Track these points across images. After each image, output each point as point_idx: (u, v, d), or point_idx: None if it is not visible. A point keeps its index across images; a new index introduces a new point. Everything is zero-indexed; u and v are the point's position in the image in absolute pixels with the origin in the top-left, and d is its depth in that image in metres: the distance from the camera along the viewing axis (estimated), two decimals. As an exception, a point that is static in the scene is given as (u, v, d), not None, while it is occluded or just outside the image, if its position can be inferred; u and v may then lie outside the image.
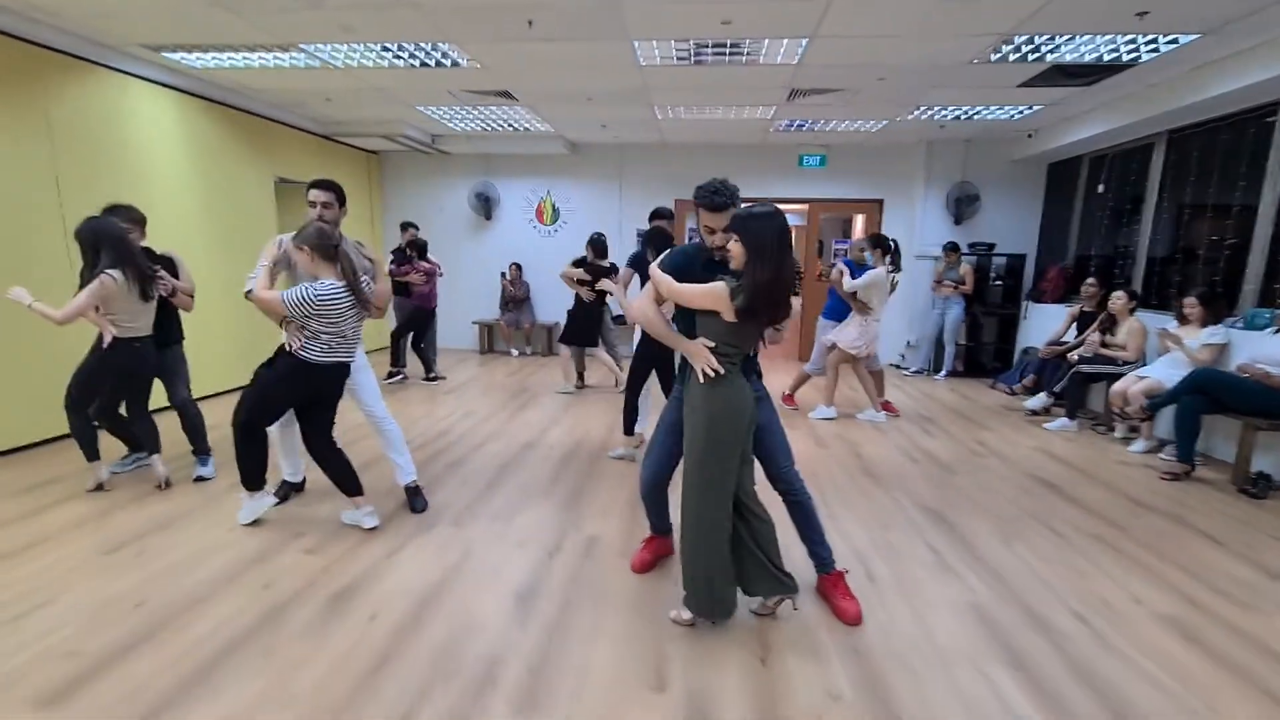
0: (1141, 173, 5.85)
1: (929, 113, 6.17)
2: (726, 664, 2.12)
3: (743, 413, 2.16)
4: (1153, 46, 4.24)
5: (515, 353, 8.43)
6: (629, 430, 4.19)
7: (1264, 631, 2.36)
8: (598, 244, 5.87)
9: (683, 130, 7.27)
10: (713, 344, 2.12)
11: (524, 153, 8.13)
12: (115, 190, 4.48)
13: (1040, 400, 5.47)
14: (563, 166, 8.34)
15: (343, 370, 2.95)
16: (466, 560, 2.79)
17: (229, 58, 4.85)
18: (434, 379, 6.58)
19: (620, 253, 6.55)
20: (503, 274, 8.37)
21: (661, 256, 2.33)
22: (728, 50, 4.52)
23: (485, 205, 8.42)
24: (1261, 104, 4.57)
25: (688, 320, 2.22)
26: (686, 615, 2.30)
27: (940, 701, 1.96)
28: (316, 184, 3.05)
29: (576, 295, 5.91)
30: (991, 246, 7.37)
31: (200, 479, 3.67)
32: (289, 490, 3.42)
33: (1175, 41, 4.12)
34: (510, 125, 7.25)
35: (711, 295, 2.07)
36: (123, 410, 3.63)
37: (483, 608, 2.42)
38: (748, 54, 4.57)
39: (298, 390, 2.91)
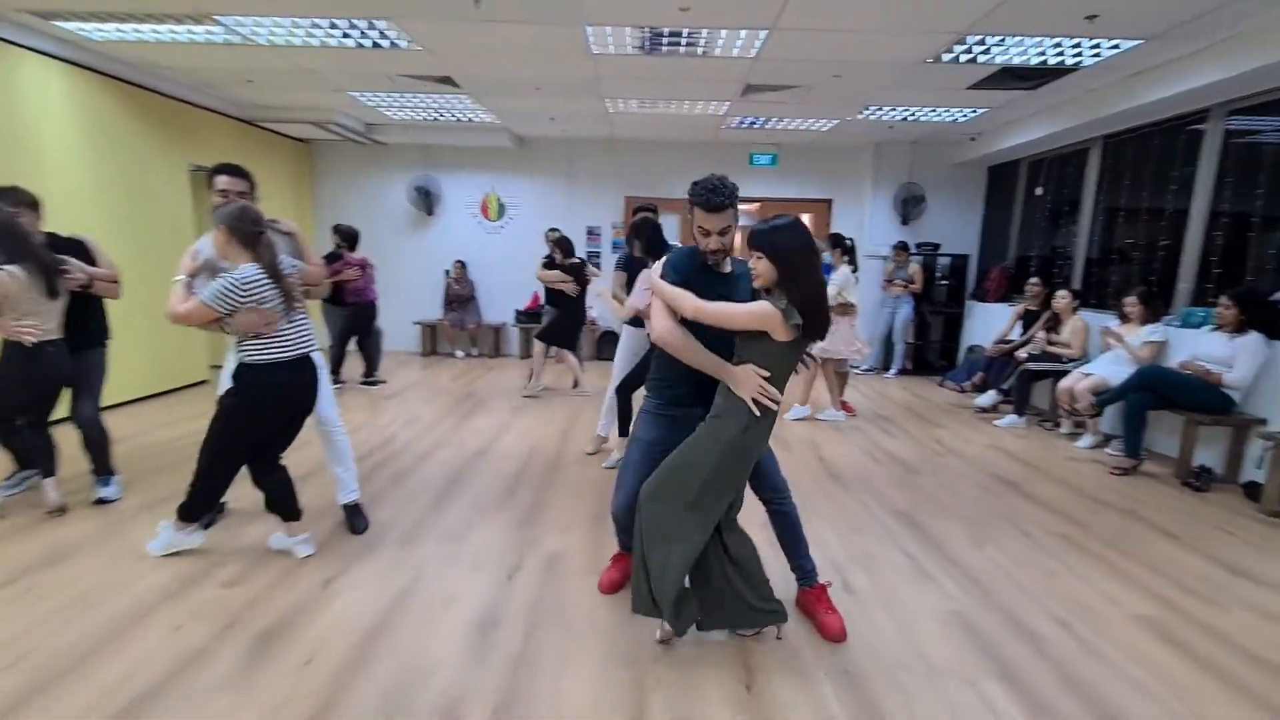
0: (1078, 176, 6.06)
1: (879, 113, 6.21)
2: (709, 692, 1.95)
3: (762, 446, 2.02)
4: (1095, 51, 4.34)
5: (460, 354, 8.05)
6: (625, 431, 3.97)
7: (1233, 629, 2.37)
8: (563, 243, 5.70)
9: (634, 125, 7.09)
10: (766, 372, 1.90)
11: (467, 145, 7.77)
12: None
13: (990, 398, 5.58)
14: (509, 161, 8.02)
15: (312, 368, 2.62)
16: (416, 586, 2.52)
17: (134, 29, 4.35)
18: (373, 382, 6.16)
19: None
20: (447, 272, 7.98)
21: (661, 267, 2.09)
22: (684, 40, 4.37)
23: (426, 200, 8.01)
24: (1193, 110, 4.77)
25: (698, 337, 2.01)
26: (668, 629, 2.13)
27: (937, 723, 1.85)
28: (224, 169, 2.70)
29: (558, 296, 5.73)
30: (937, 246, 7.53)
31: (101, 501, 3.23)
32: (214, 514, 3.04)
33: (1117, 47, 4.22)
34: (453, 116, 6.89)
35: (760, 316, 1.86)
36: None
37: (437, 641, 2.16)
38: (704, 45, 4.44)
39: (276, 406, 2.54)
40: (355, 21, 4.14)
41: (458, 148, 7.87)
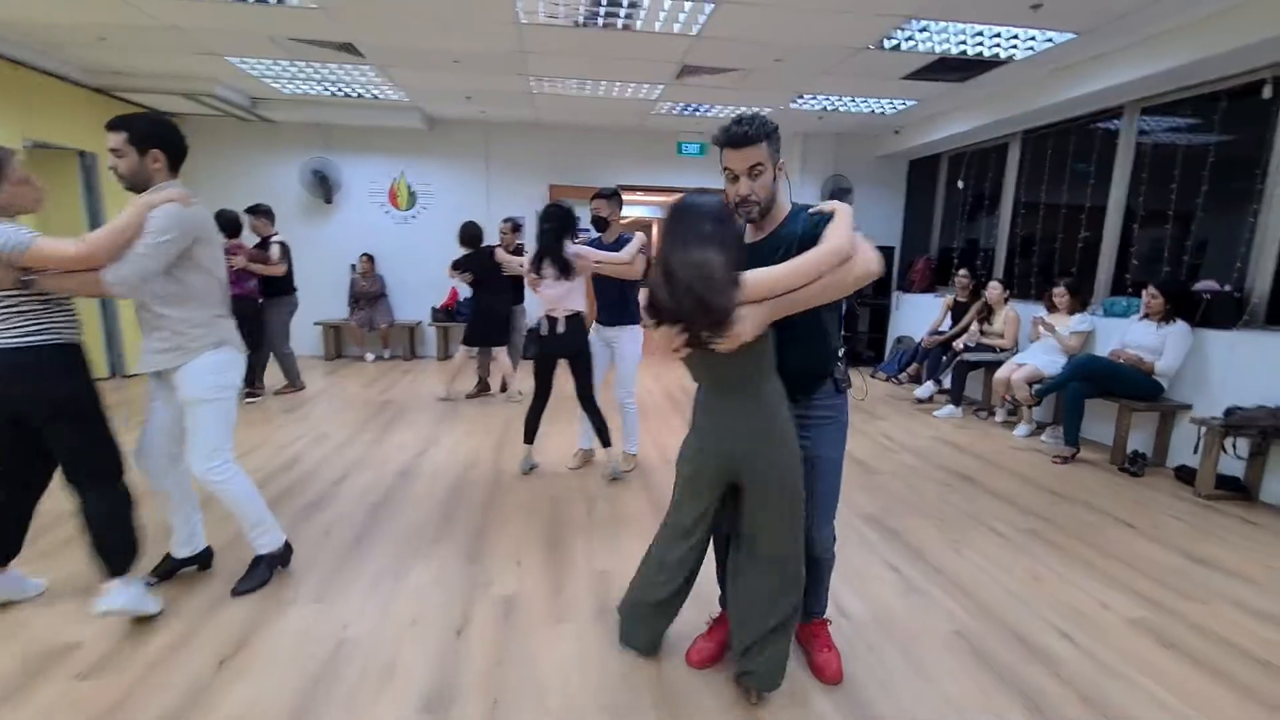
0: (999, 170, 6.23)
1: (810, 102, 6.11)
2: (720, 767, 1.64)
3: (698, 457, 1.83)
4: (1030, 44, 4.38)
5: (371, 357, 7.30)
6: (607, 441, 3.66)
7: (1220, 626, 2.34)
8: (464, 231, 5.24)
9: (558, 108, 6.64)
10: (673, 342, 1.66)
11: (372, 126, 7.02)
12: None
13: (928, 389, 5.62)
14: (419, 144, 7.33)
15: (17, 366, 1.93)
16: (341, 656, 2.04)
17: (-67, -38, 3.45)
18: (253, 395, 5.29)
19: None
20: (353, 266, 7.20)
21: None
22: (623, 11, 4.01)
23: (324, 186, 7.18)
24: (1106, 108, 4.95)
25: None
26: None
27: (979, 777, 1.63)
28: (109, 123, 2.10)
29: (475, 290, 5.31)
30: (863, 239, 7.59)
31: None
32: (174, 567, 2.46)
33: (1051, 40, 4.27)
34: (355, 91, 6.17)
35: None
36: None
37: (375, 734, 1.72)
38: (644, 18, 4.10)
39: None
40: (235, -32, 3.48)
41: (361, 128, 7.10)
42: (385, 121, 6.90)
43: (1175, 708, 1.89)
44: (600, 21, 4.17)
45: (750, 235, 1.79)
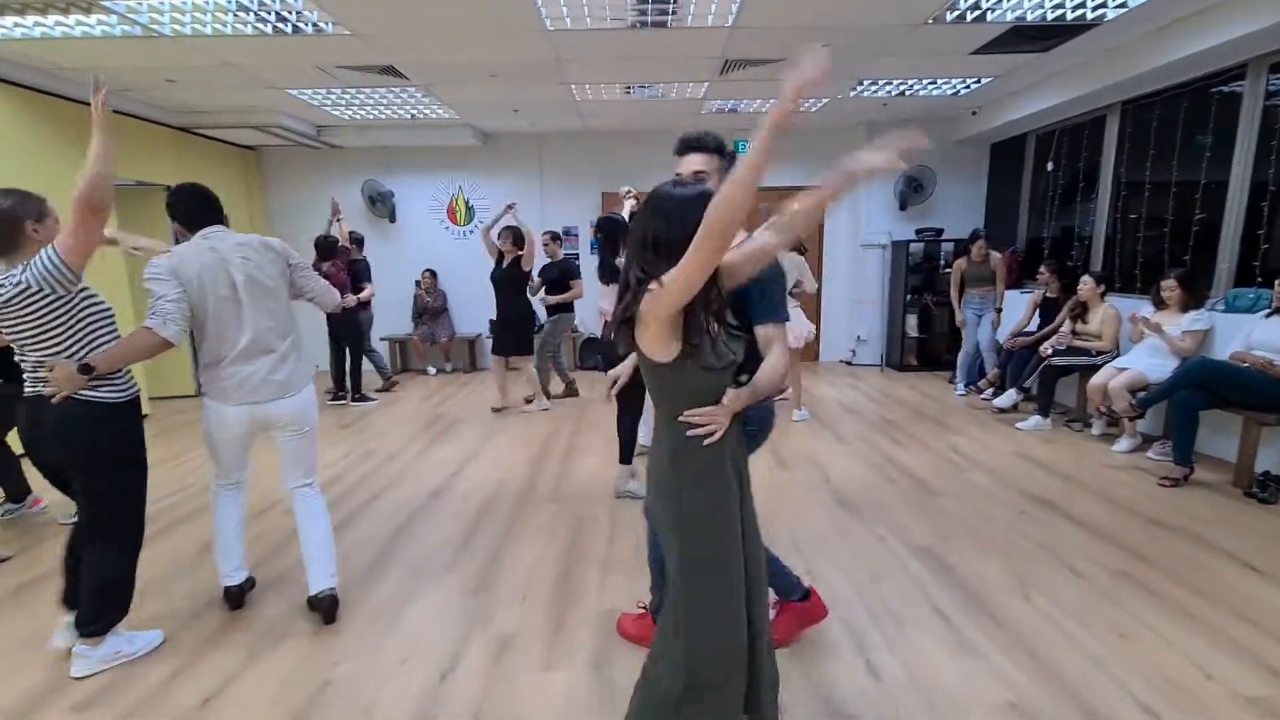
0: (1095, 148, 5.52)
1: (872, 88, 5.67)
2: None
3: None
4: (1120, 1, 3.80)
5: (433, 370, 7.48)
6: (627, 459, 3.54)
7: (1373, 710, 1.84)
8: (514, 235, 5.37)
9: (606, 114, 6.53)
10: None
11: (428, 144, 7.20)
12: None
13: (1010, 398, 5.03)
14: (474, 159, 7.45)
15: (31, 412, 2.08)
16: (323, 699, 1.97)
17: (14, 23, 3.77)
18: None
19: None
20: (417, 282, 7.41)
21: None
22: (650, 8, 3.81)
23: (386, 205, 7.43)
24: (1225, 68, 4.24)
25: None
26: None
27: None
28: None
29: (501, 299, 5.38)
30: (939, 232, 6.99)
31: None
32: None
33: (1146, -6, 3.69)
34: (407, 112, 6.32)
35: None
36: None
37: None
38: (674, 14, 3.89)
39: None
40: (266, 1, 3.57)
41: (418, 147, 7.30)
42: (440, 140, 7.05)
43: (1301, 825, 1.48)
44: (627, 20, 4.00)
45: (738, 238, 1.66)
